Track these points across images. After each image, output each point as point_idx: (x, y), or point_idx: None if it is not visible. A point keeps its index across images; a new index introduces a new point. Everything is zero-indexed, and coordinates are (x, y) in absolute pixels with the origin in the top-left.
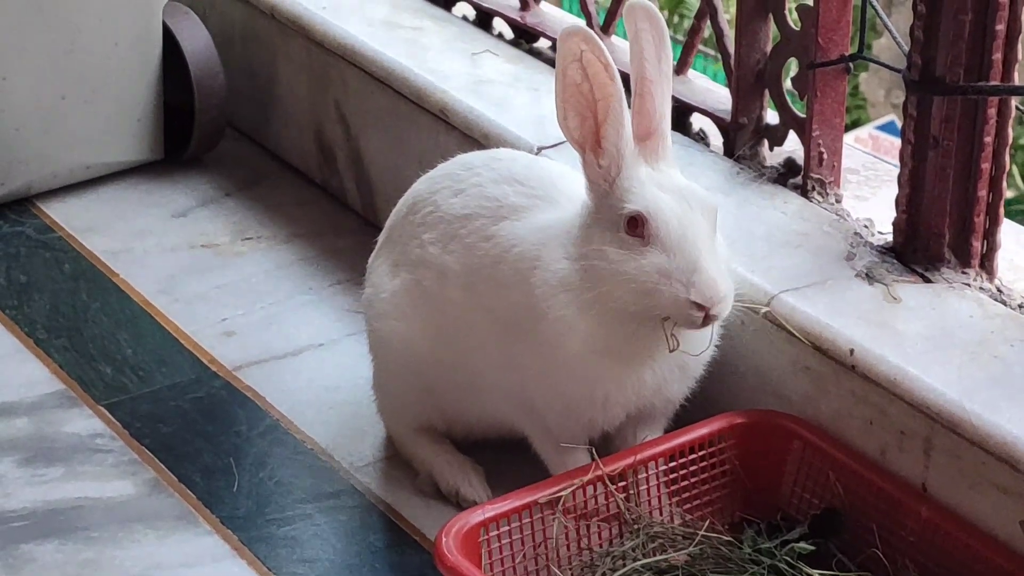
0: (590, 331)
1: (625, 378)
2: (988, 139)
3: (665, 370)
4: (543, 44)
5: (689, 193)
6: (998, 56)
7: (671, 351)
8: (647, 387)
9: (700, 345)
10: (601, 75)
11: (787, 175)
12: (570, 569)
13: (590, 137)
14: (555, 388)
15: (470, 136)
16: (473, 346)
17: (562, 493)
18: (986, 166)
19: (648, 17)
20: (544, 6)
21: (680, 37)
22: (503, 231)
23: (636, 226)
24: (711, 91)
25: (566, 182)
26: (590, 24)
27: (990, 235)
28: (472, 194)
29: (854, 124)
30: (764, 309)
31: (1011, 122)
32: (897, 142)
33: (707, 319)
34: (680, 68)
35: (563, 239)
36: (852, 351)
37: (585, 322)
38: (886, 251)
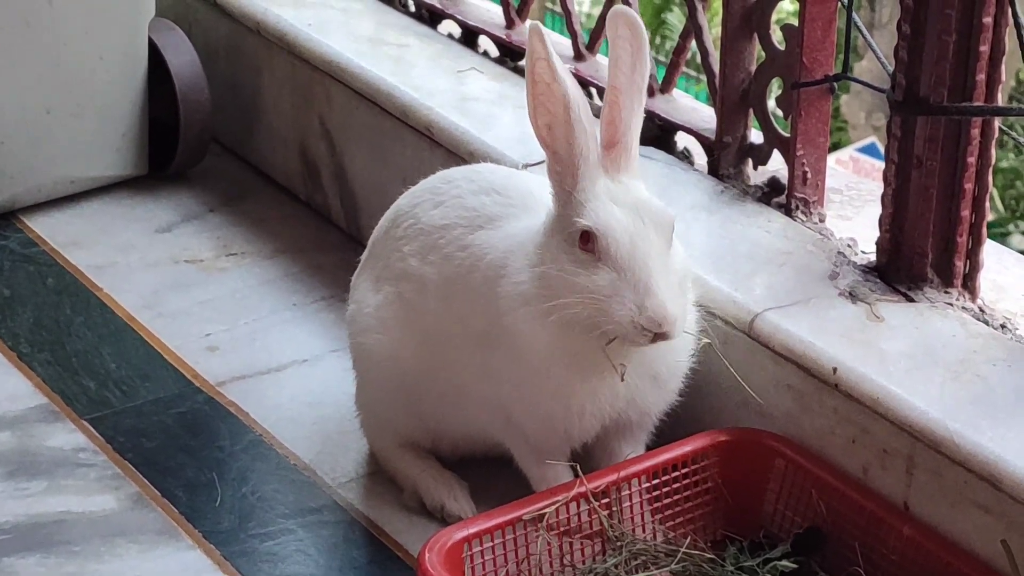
0: (551, 343)
1: (597, 389)
2: (971, 159)
3: (637, 380)
4: None
5: (643, 207)
6: (982, 77)
7: (622, 379)
8: (620, 398)
9: (676, 359)
10: (547, 76)
11: (771, 194)
12: None
13: (557, 139)
14: (529, 400)
15: (455, 153)
16: (452, 357)
17: (546, 510)
18: (969, 186)
19: (629, 25)
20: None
21: (662, 58)
22: (478, 240)
23: (588, 241)
24: (696, 110)
25: (546, 193)
26: (575, 43)
27: (973, 255)
28: (451, 205)
29: (835, 146)
30: (705, 341)
31: (994, 143)
32: (877, 164)
33: (656, 338)
34: (665, 87)
35: (528, 247)
36: (835, 370)
37: (546, 334)
38: (869, 270)
